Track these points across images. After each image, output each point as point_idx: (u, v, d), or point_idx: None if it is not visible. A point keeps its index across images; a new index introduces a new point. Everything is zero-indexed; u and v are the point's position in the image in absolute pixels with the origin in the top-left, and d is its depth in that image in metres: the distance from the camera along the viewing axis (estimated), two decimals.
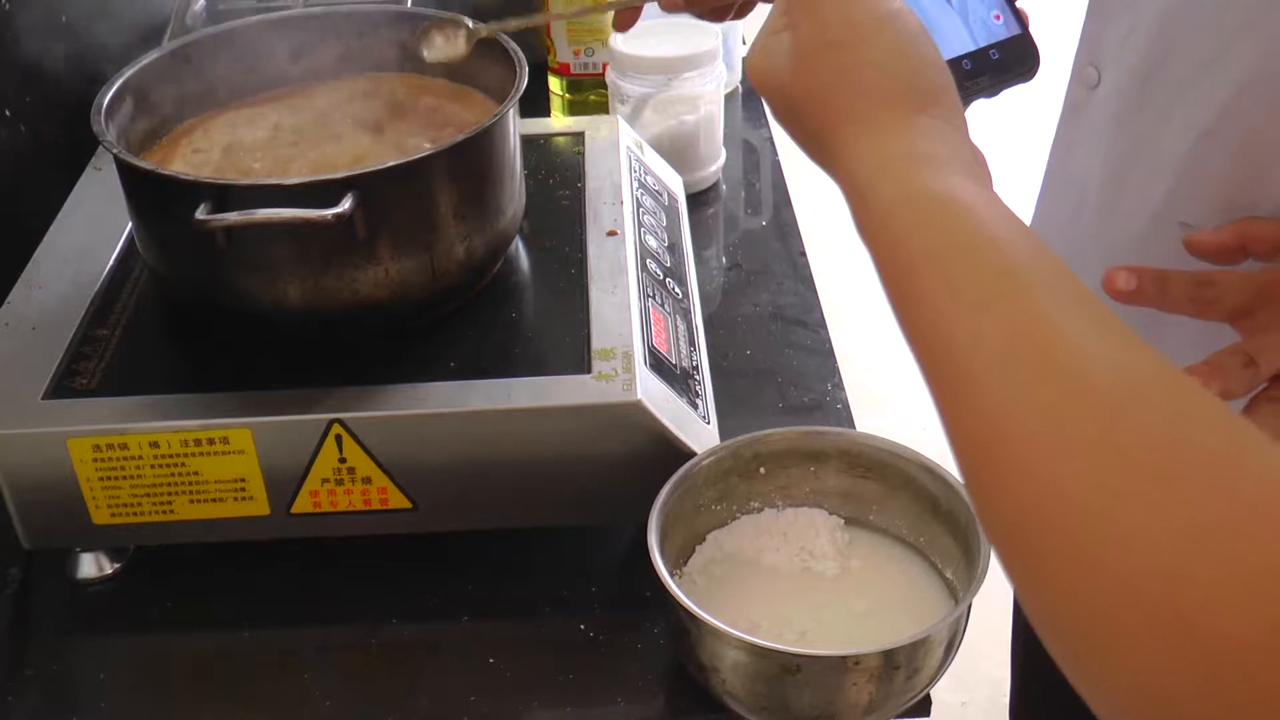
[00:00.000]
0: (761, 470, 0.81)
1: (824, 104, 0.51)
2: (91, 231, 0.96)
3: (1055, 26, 0.90)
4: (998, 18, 0.55)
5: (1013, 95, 0.63)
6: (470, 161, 0.85)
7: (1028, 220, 0.92)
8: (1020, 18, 0.56)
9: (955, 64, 0.53)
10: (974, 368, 0.45)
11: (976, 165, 0.50)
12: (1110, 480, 0.40)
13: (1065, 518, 0.41)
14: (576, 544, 0.87)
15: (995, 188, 0.50)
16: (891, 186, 0.49)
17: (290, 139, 0.93)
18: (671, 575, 0.71)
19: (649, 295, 0.90)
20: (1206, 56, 0.76)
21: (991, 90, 0.54)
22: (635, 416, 0.79)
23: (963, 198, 0.48)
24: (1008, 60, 0.55)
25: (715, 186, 1.26)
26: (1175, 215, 0.80)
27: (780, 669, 0.68)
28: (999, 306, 0.45)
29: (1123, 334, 0.44)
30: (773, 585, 0.78)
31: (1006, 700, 1.20)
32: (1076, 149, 0.88)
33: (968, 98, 0.52)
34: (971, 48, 0.54)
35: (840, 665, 0.67)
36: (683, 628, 0.71)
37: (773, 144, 1.35)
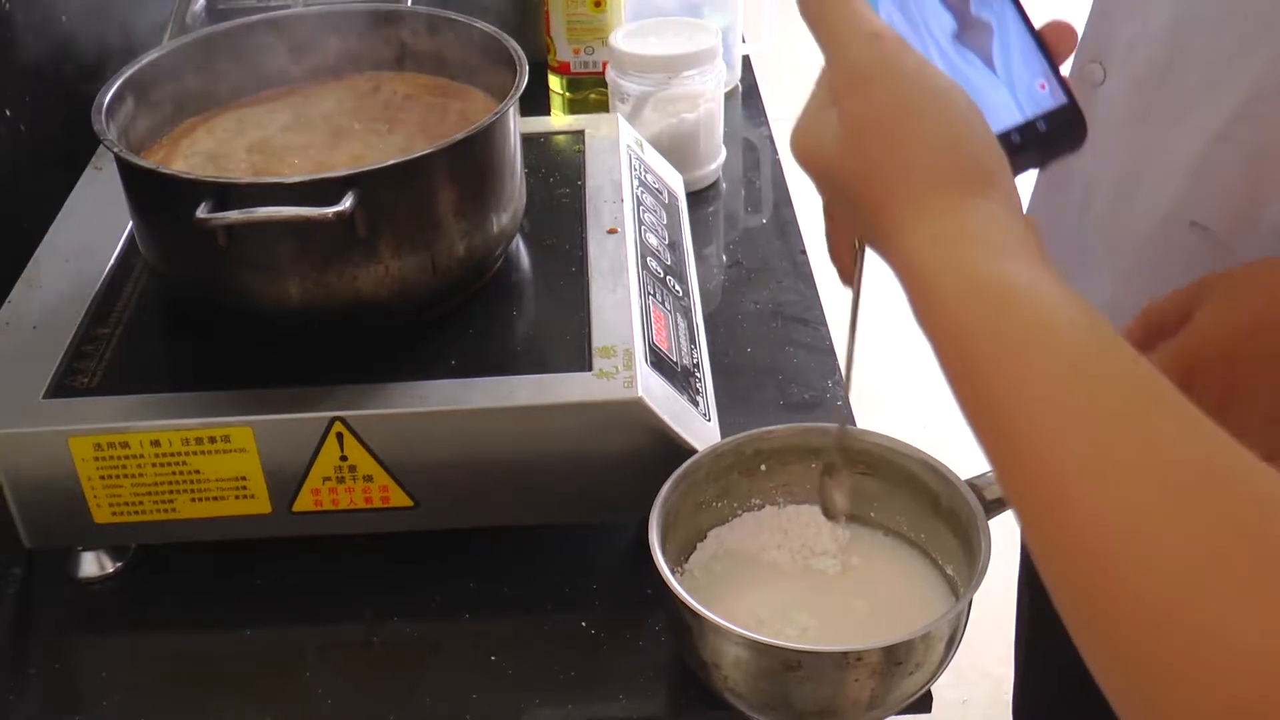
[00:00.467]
0: (763, 467, 0.81)
1: (875, 185, 0.50)
2: (92, 230, 0.96)
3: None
4: (1043, 86, 0.54)
5: None
6: (471, 160, 0.85)
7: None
8: (1065, 85, 0.55)
9: (1004, 138, 0.52)
10: (1057, 468, 0.43)
11: (1032, 245, 0.49)
12: (1217, 591, 0.38)
13: (1168, 630, 0.39)
14: (578, 542, 0.87)
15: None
16: (949, 273, 0.48)
17: (290, 138, 0.93)
18: (673, 572, 0.71)
19: (649, 293, 0.90)
20: (1219, 61, 0.76)
21: (1040, 162, 0.54)
22: (636, 414, 0.79)
23: (1024, 284, 0.47)
24: (1056, 131, 0.54)
25: (715, 184, 1.26)
26: (1187, 215, 0.80)
27: (782, 665, 0.68)
28: (1075, 401, 0.44)
29: (1199, 422, 0.43)
30: (774, 582, 0.78)
31: (1007, 698, 1.20)
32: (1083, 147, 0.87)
33: (1016, 170, 0.51)
34: (1020, 120, 0.53)
35: (842, 661, 0.67)
36: (684, 624, 0.71)
37: (772, 142, 1.35)
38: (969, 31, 0.54)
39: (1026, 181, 0.94)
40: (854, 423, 0.87)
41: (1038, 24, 0.56)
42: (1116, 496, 0.42)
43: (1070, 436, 0.43)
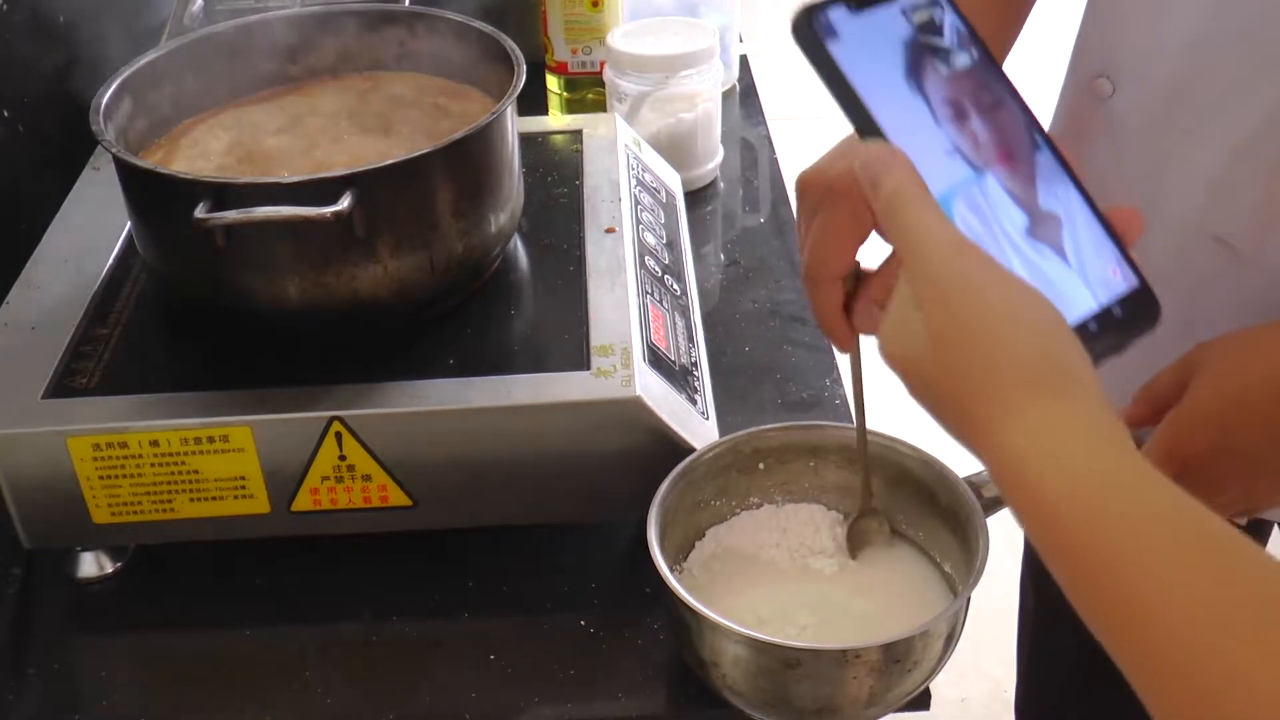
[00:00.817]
0: (761, 465, 0.81)
1: (965, 390, 0.51)
2: (90, 231, 0.96)
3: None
4: (1114, 271, 0.55)
5: None
6: (468, 159, 0.85)
7: None
8: (1135, 267, 0.56)
9: (1082, 328, 0.53)
10: (1179, 655, 0.45)
11: (1122, 435, 0.50)
12: None
13: None
14: (576, 540, 0.87)
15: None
16: (1048, 470, 0.49)
17: (288, 138, 0.93)
18: (671, 571, 0.71)
19: (647, 292, 0.90)
20: (1240, 77, 0.76)
21: (1119, 347, 0.54)
22: (634, 413, 0.79)
23: (1123, 478, 0.49)
24: (1131, 315, 0.55)
25: (713, 184, 1.27)
26: (1210, 229, 0.80)
27: (781, 663, 0.68)
28: (1188, 588, 0.46)
29: None
30: (772, 581, 0.78)
31: (1006, 696, 1.20)
32: (1089, 159, 0.87)
33: (1097, 359, 0.53)
34: (1096, 308, 0.54)
35: (840, 659, 0.68)
36: (683, 623, 0.71)
37: (770, 141, 1.35)
38: (1040, 225, 0.55)
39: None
40: (852, 421, 0.87)
41: (1101, 207, 0.57)
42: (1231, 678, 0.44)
43: (1187, 617, 0.45)
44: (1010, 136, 0.56)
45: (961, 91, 0.56)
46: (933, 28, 0.56)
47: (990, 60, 0.57)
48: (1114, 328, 0.54)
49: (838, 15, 0.54)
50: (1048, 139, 0.57)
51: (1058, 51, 0.95)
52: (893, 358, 0.55)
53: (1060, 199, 0.56)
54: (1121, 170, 0.84)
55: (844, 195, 0.72)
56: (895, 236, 0.53)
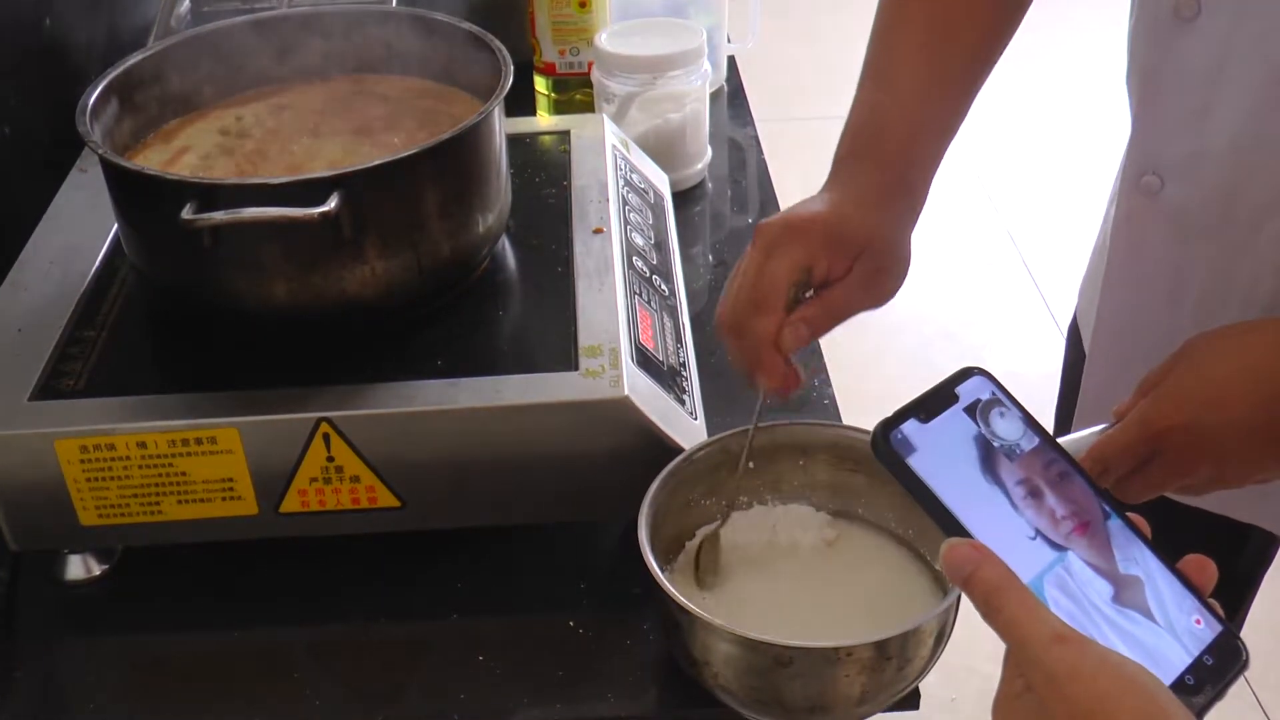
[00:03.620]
0: (750, 464, 0.81)
1: None
2: (77, 232, 0.96)
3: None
4: (1199, 621, 0.58)
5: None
6: (456, 160, 0.85)
7: (1093, 306, 0.94)
8: (1215, 613, 0.59)
9: (1179, 684, 0.56)
10: None
11: None
12: None
13: None
14: (565, 541, 0.87)
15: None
16: None
17: (276, 139, 0.93)
18: (662, 570, 0.71)
19: (636, 292, 0.90)
20: None
21: (1215, 695, 0.57)
22: (623, 413, 0.79)
23: None
24: (1220, 662, 0.57)
25: (701, 184, 1.27)
26: None
27: (772, 661, 0.68)
28: None
29: None
30: (763, 579, 0.78)
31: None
32: (1146, 250, 0.88)
33: (1198, 712, 0.55)
34: (1189, 660, 0.57)
35: (832, 657, 0.68)
36: (674, 621, 0.71)
37: (758, 142, 1.35)
38: (1124, 591, 0.58)
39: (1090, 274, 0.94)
40: (840, 421, 0.87)
41: (1175, 562, 0.60)
42: None
43: None
44: (1083, 510, 0.59)
45: (1033, 474, 0.60)
46: (995, 419, 0.61)
47: (1050, 440, 0.61)
48: (1208, 676, 0.57)
49: (910, 428, 0.59)
50: (1115, 506, 0.60)
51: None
52: None
53: (1138, 561, 0.59)
54: (1190, 256, 0.85)
55: (801, 231, 0.76)
56: (998, 630, 0.55)
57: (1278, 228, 0.80)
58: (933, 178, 0.85)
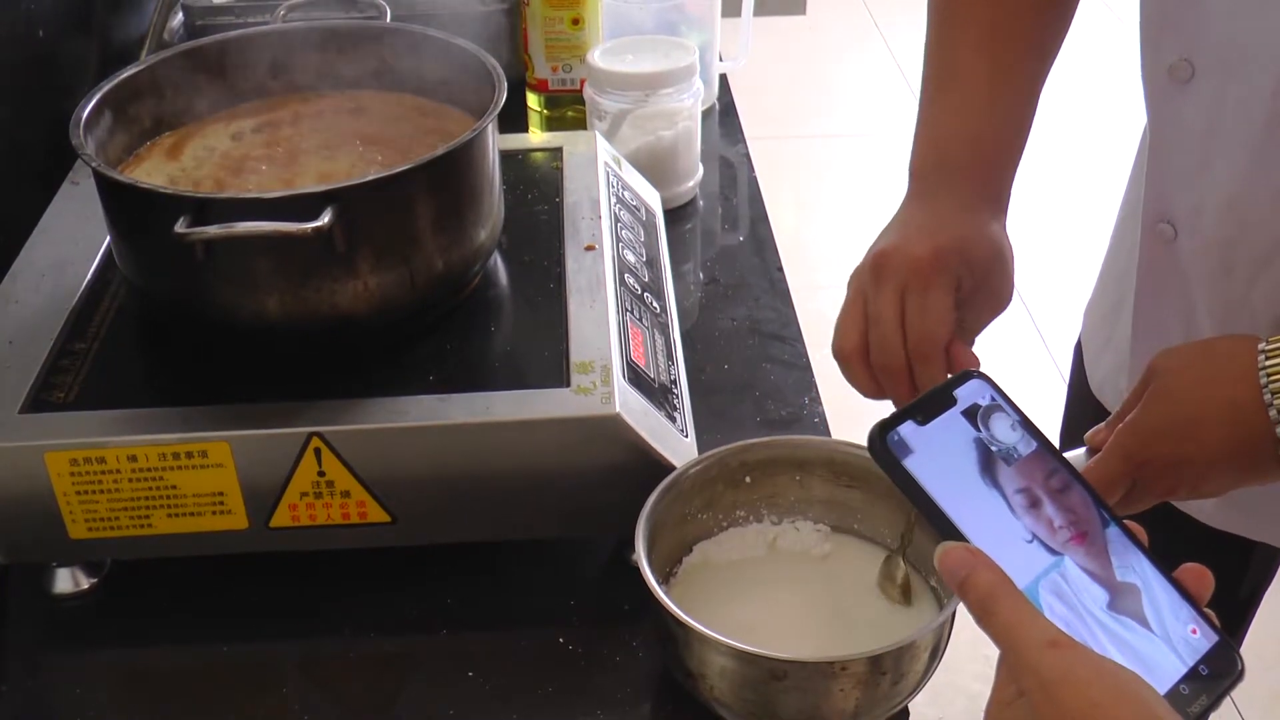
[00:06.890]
0: (747, 479, 0.81)
1: None
2: (69, 245, 0.96)
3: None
4: (1194, 631, 0.58)
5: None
6: (449, 176, 0.85)
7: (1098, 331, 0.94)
8: (1212, 623, 0.59)
9: (1174, 694, 0.56)
10: None
11: None
12: None
13: None
14: (555, 557, 0.87)
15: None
16: None
17: (269, 153, 0.93)
18: (658, 583, 0.71)
19: (627, 309, 0.90)
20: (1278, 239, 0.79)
21: (1211, 704, 0.57)
22: (614, 430, 0.79)
23: None
24: (1215, 671, 0.57)
25: (693, 202, 1.27)
26: None
27: (768, 674, 0.68)
28: None
29: None
30: (759, 593, 0.78)
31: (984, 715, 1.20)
32: (1165, 296, 0.89)
33: None
34: (1184, 669, 0.57)
35: (827, 670, 0.68)
36: (670, 634, 0.71)
37: (749, 160, 1.36)
38: (1120, 599, 0.58)
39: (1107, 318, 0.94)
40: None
41: (1173, 571, 0.60)
42: None
43: None
44: (1080, 516, 0.59)
45: (1030, 479, 0.60)
46: (993, 423, 0.61)
47: (1049, 445, 0.61)
48: (1203, 686, 0.57)
49: (907, 430, 0.59)
50: (1113, 514, 0.61)
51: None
52: None
53: (1135, 570, 0.59)
54: (1207, 301, 0.86)
55: (939, 265, 0.76)
56: (991, 634, 0.55)
57: (1271, 282, 0.81)
58: (1014, 175, 0.86)
